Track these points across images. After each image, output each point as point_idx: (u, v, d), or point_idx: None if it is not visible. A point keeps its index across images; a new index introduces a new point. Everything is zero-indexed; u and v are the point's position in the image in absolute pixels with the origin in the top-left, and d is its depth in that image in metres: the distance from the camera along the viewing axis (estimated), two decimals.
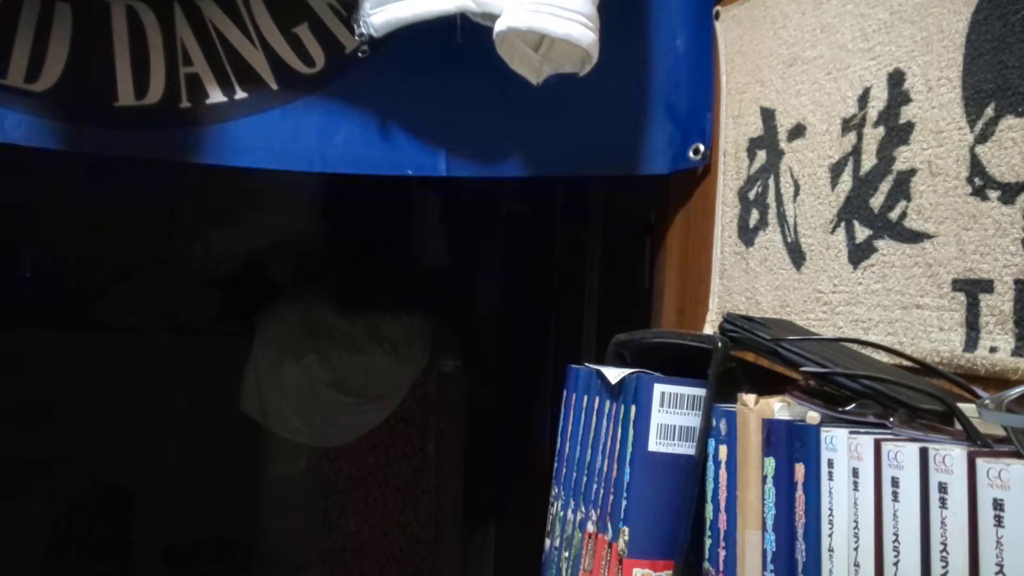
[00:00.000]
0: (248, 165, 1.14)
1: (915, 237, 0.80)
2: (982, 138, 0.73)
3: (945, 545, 0.54)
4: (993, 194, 0.72)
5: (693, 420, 0.85)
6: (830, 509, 0.64)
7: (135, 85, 1.09)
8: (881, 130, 0.85)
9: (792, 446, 0.69)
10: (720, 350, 0.83)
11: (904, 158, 0.82)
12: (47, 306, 2.81)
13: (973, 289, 0.73)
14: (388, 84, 1.15)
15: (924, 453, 0.56)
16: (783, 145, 1.02)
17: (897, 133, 0.83)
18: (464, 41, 1.06)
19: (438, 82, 1.16)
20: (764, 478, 0.72)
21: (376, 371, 2.54)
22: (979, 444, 0.58)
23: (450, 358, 2.67)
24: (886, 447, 0.59)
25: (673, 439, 0.85)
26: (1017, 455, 0.53)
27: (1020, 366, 0.68)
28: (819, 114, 0.95)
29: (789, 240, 0.99)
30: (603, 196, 2.24)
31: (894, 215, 0.83)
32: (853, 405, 0.68)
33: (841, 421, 0.67)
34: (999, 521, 0.50)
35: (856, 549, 0.61)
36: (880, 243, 0.84)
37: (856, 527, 0.61)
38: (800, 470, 0.67)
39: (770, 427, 0.72)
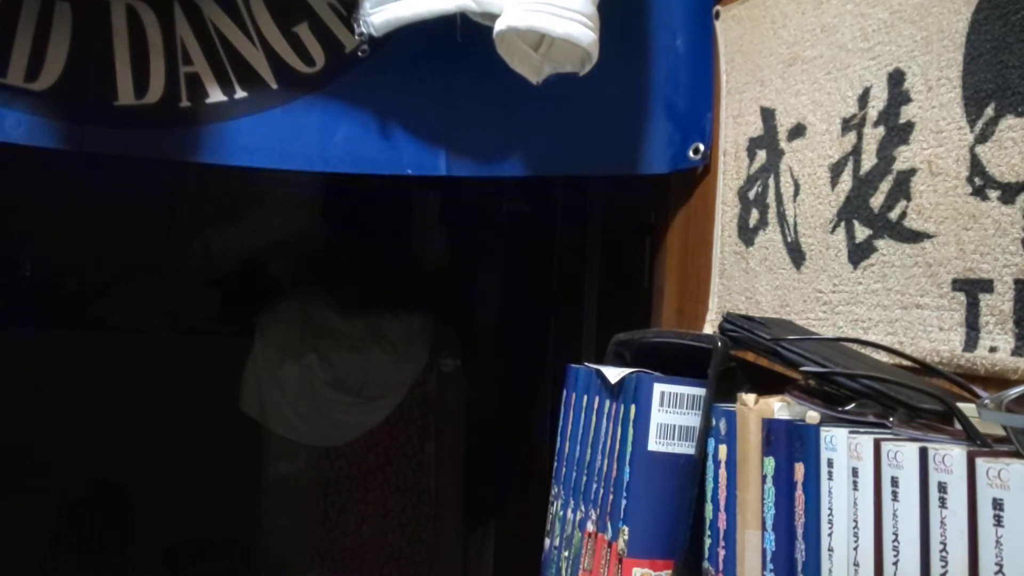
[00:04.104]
0: (248, 164, 1.14)
1: (915, 237, 0.80)
2: (982, 138, 0.73)
3: (945, 545, 0.54)
4: (993, 194, 0.72)
5: (693, 420, 0.85)
6: (830, 509, 0.64)
7: (135, 84, 1.09)
8: (881, 130, 0.85)
9: (792, 446, 0.69)
10: (720, 350, 0.83)
11: (904, 158, 0.82)
12: (47, 306, 2.81)
13: (973, 289, 0.73)
14: (388, 84, 1.15)
15: (924, 453, 0.56)
16: (783, 145, 1.02)
17: (897, 133, 0.83)
18: (464, 41, 1.06)
19: (438, 81, 1.16)
20: (764, 478, 0.72)
21: (376, 371, 2.54)
22: (979, 444, 0.58)
23: (450, 358, 2.67)
24: (886, 447, 0.59)
25: (673, 439, 0.85)
26: (1017, 455, 0.53)
27: (1020, 366, 0.68)
28: (819, 114, 0.95)
29: (789, 240, 0.99)
30: (603, 196, 2.24)
31: (894, 215, 0.83)
32: (853, 405, 0.68)
33: (841, 421, 0.67)
34: (999, 521, 0.50)
35: (856, 549, 0.61)
36: (880, 243, 0.84)
37: (856, 527, 0.61)
38: (800, 470, 0.67)
39: (770, 427, 0.72)
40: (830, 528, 0.64)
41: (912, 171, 0.81)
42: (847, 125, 0.90)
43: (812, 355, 0.75)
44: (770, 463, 0.71)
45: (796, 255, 0.98)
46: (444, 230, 2.97)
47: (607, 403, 0.95)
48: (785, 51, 1.02)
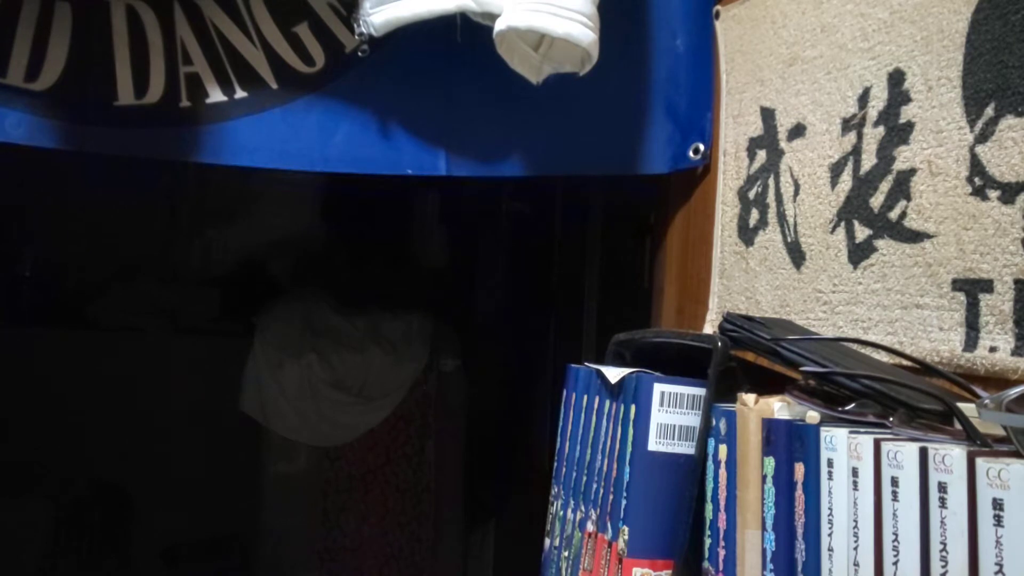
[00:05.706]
0: (248, 164, 1.14)
1: (915, 237, 0.80)
2: (982, 138, 0.73)
3: (945, 545, 0.54)
4: (993, 194, 0.72)
5: (693, 420, 0.85)
6: (830, 509, 0.64)
7: (135, 84, 1.09)
8: (881, 130, 0.85)
9: (792, 446, 0.69)
10: (720, 350, 0.83)
11: (904, 158, 0.82)
12: (47, 306, 2.81)
13: (973, 289, 0.73)
14: (388, 83, 1.15)
15: (924, 453, 0.56)
16: (783, 145, 1.02)
17: (897, 133, 0.83)
18: (464, 41, 1.06)
19: (438, 81, 1.16)
20: (764, 478, 0.72)
21: (376, 371, 2.54)
22: (979, 444, 0.58)
23: (450, 358, 2.67)
24: (886, 447, 0.59)
25: (673, 439, 0.85)
26: (1017, 455, 0.53)
27: (1020, 366, 0.68)
28: (819, 114, 0.95)
29: (789, 240, 0.99)
30: (603, 196, 2.24)
31: (894, 215, 0.83)
32: (853, 405, 0.68)
33: (841, 421, 0.67)
34: (999, 521, 0.50)
35: (856, 549, 0.61)
36: (880, 243, 0.84)
37: (856, 527, 0.61)
38: (800, 470, 0.67)
39: (770, 427, 0.72)
40: (830, 528, 0.64)
41: (912, 171, 0.81)
42: (847, 125, 0.90)
43: (812, 355, 0.75)
44: (770, 463, 0.71)
45: (796, 255, 0.98)
46: (444, 230, 2.97)
47: (607, 403, 0.95)
48: (785, 51, 1.03)
